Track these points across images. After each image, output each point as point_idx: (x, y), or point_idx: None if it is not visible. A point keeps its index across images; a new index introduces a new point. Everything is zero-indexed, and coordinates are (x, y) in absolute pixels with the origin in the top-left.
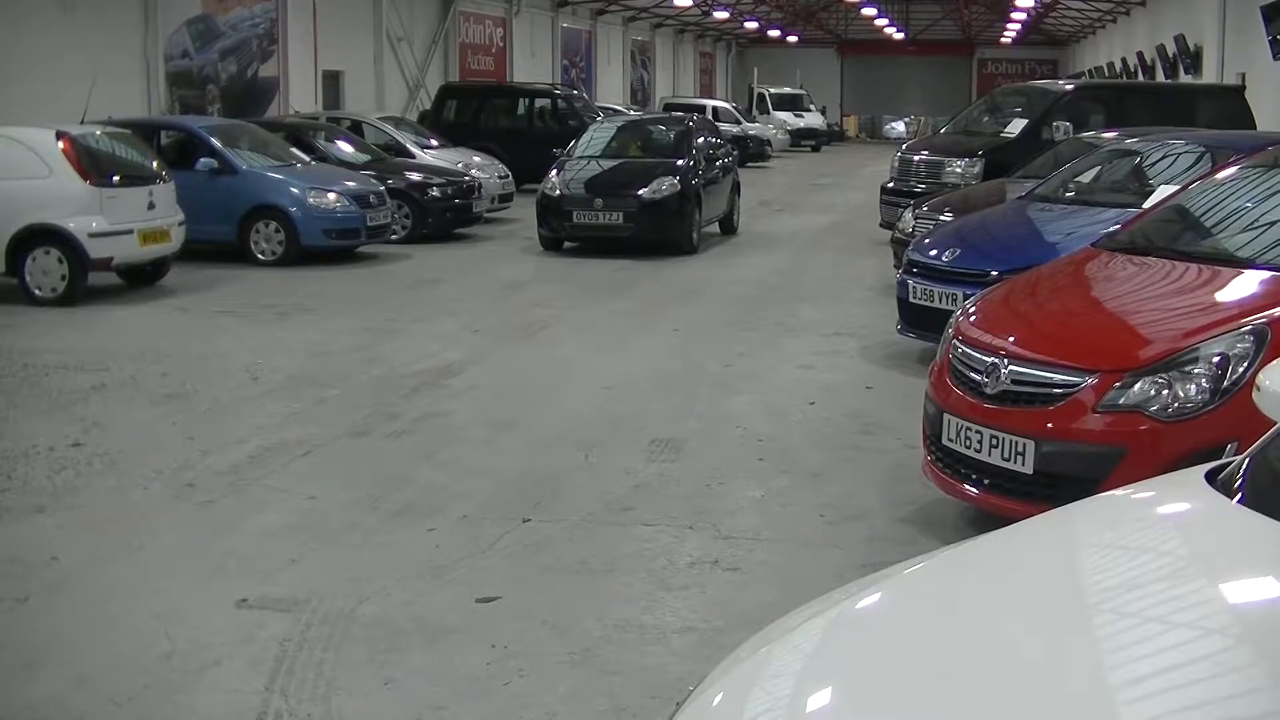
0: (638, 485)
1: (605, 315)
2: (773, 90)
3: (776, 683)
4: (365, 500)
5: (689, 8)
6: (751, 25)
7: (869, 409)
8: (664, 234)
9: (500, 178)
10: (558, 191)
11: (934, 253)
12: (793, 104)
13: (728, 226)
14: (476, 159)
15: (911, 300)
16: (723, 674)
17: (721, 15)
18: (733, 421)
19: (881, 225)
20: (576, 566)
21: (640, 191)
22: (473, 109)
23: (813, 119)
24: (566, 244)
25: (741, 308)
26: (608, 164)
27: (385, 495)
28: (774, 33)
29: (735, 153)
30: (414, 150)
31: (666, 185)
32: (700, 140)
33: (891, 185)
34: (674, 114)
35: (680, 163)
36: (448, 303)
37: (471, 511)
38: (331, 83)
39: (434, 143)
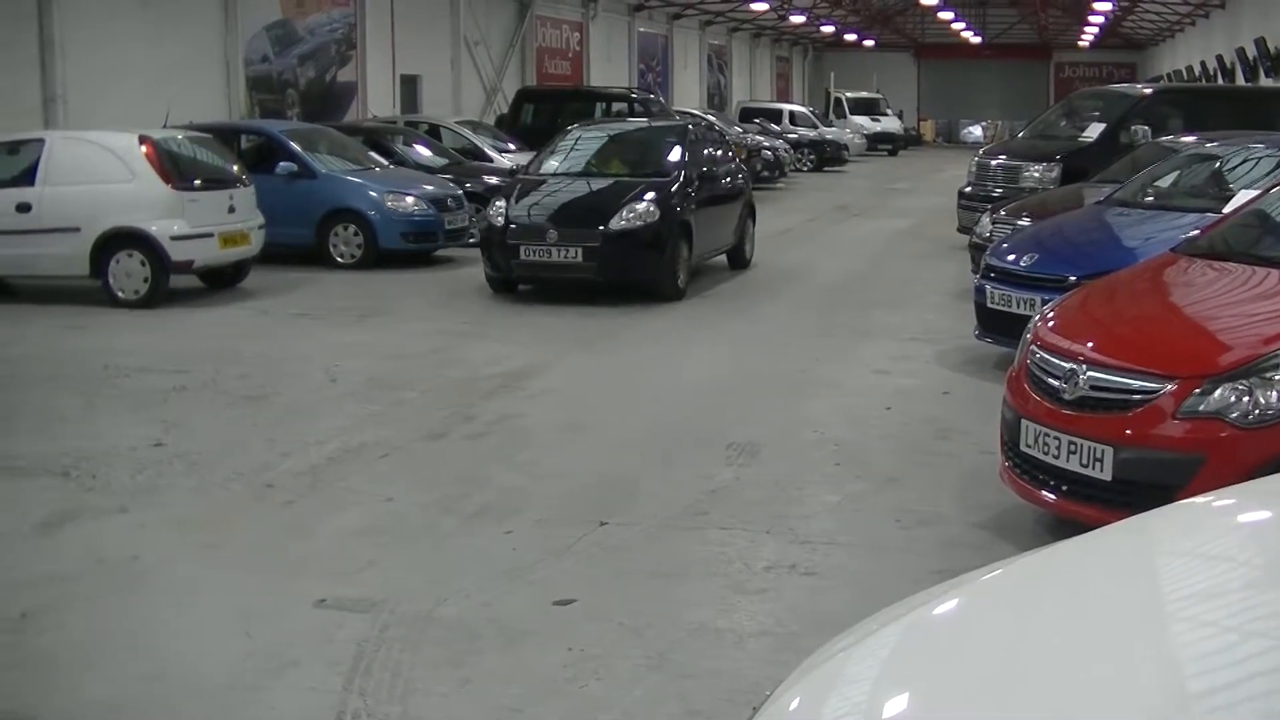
0: (714, 489)
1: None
2: (849, 94)
3: (852, 688)
4: (442, 502)
5: (765, 11)
6: (828, 29)
7: (945, 414)
8: (635, 274)
9: None
10: (501, 220)
11: (1011, 258)
12: (869, 108)
13: (738, 259)
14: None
15: (989, 305)
16: (799, 679)
17: (798, 19)
18: (809, 426)
19: (959, 230)
20: (652, 570)
21: (605, 220)
22: (549, 113)
23: (889, 123)
24: (522, 286)
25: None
26: (572, 185)
27: (462, 497)
28: (850, 37)
29: (744, 170)
30: (491, 154)
31: (641, 211)
32: (699, 153)
33: (969, 190)
34: (669, 121)
35: (665, 182)
36: (514, 312)
37: (548, 514)
38: (409, 87)
39: (511, 146)
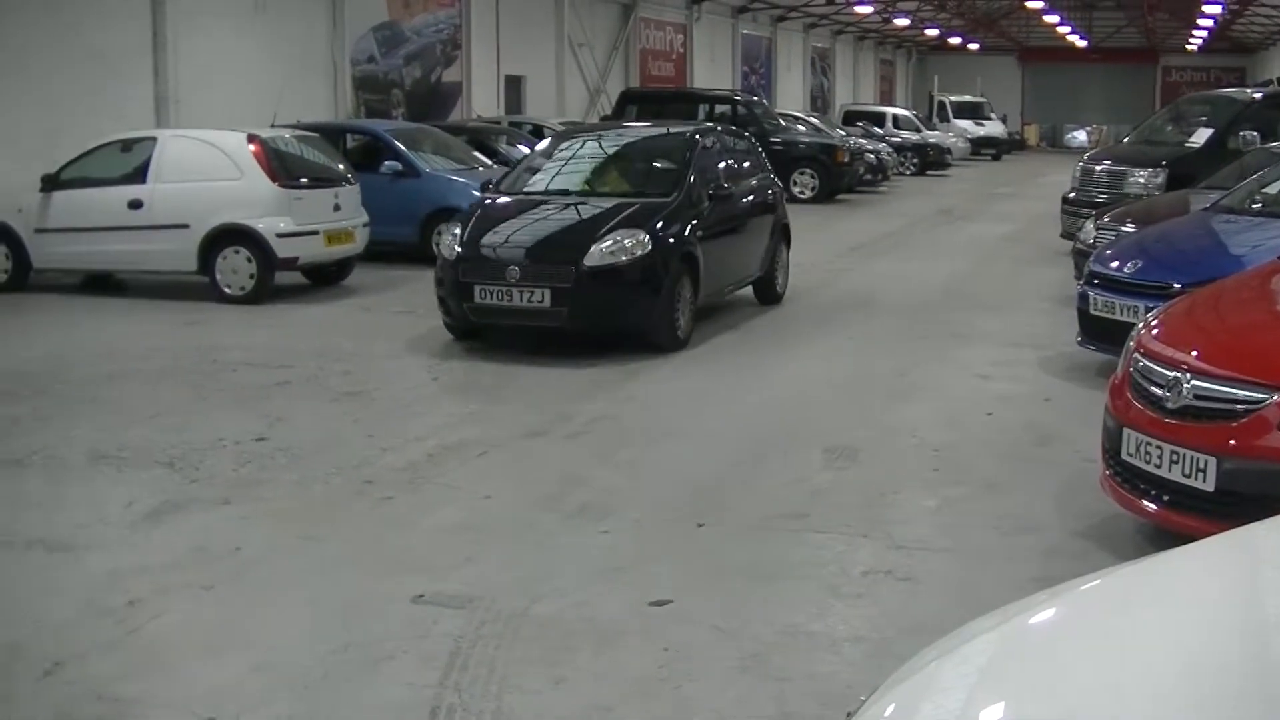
0: (812, 493)
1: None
2: (953, 98)
3: (948, 696)
4: (540, 500)
5: (869, 15)
6: (932, 32)
7: (1046, 420)
8: (619, 321)
9: None
10: (455, 253)
11: (1115, 264)
12: (973, 112)
13: (766, 292)
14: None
15: (1092, 312)
16: (894, 684)
17: (902, 22)
18: (908, 430)
19: (1062, 236)
20: (749, 572)
21: (580, 254)
22: (653, 115)
23: (993, 127)
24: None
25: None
26: (546, 208)
27: (560, 496)
28: (955, 40)
29: (776, 183)
30: None
31: (627, 243)
32: (712, 166)
33: (1073, 195)
34: (676, 127)
35: (662, 204)
36: None
37: (645, 514)
38: (513, 87)
39: None
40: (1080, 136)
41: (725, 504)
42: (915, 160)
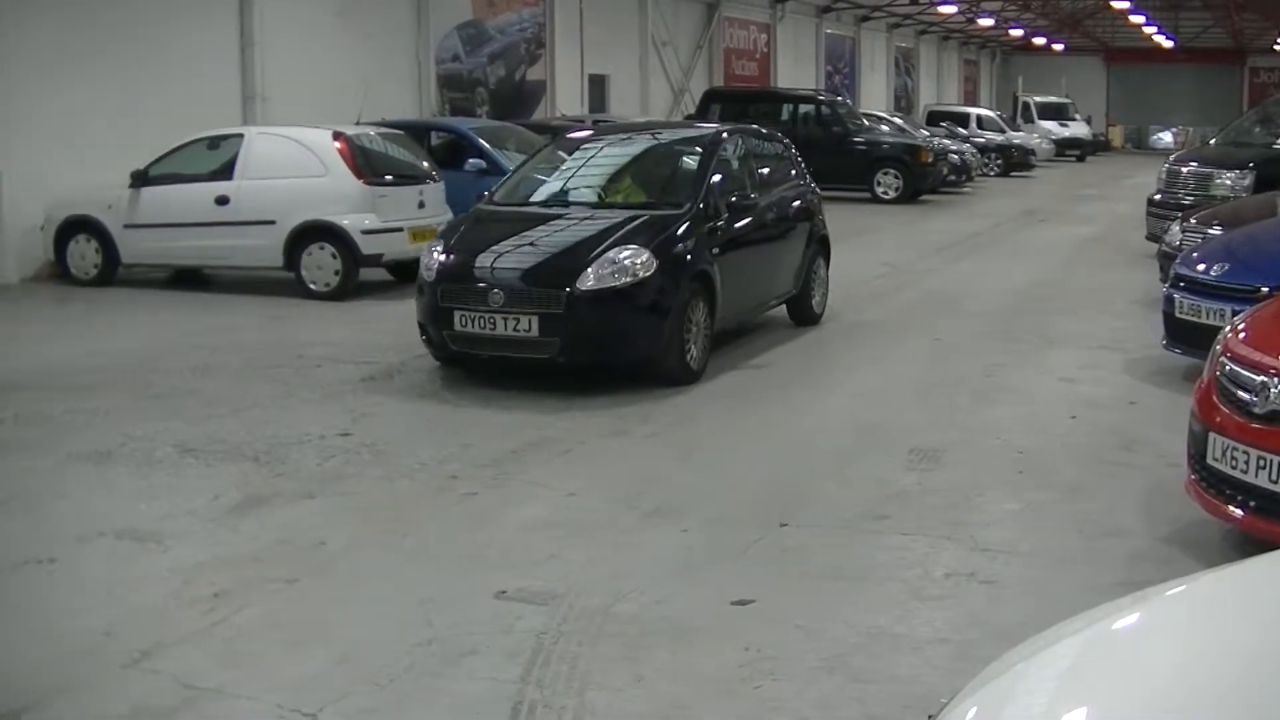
0: (895, 494)
1: None
2: (1037, 99)
3: (1030, 700)
4: (623, 499)
5: (954, 14)
6: (1016, 33)
7: (1131, 424)
8: (618, 352)
9: None
10: (433, 273)
11: (1202, 267)
12: (1058, 113)
13: (801, 312)
14: None
15: (1177, 315)
16: (976, 688)
17: (986, 22)
18: (992, 433)
19: (1147, 238)
20: (831, 573)
21: (573, 276)
22: (736, 114)
23: (1078, 128)
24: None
25: None
26: (541, 222)
27: (642, 494)
28: (1039, 40)
29: (813, 189)
30: None
31: (628, 263)
32: (735, 173)
33: (1158, 197)
34: (693, 130)
35: (671, 217)
36: None
37: (727, 513)
38: (597, 86)
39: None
40: (1166, 138)
41: (808, 504)
42: (999, 161)
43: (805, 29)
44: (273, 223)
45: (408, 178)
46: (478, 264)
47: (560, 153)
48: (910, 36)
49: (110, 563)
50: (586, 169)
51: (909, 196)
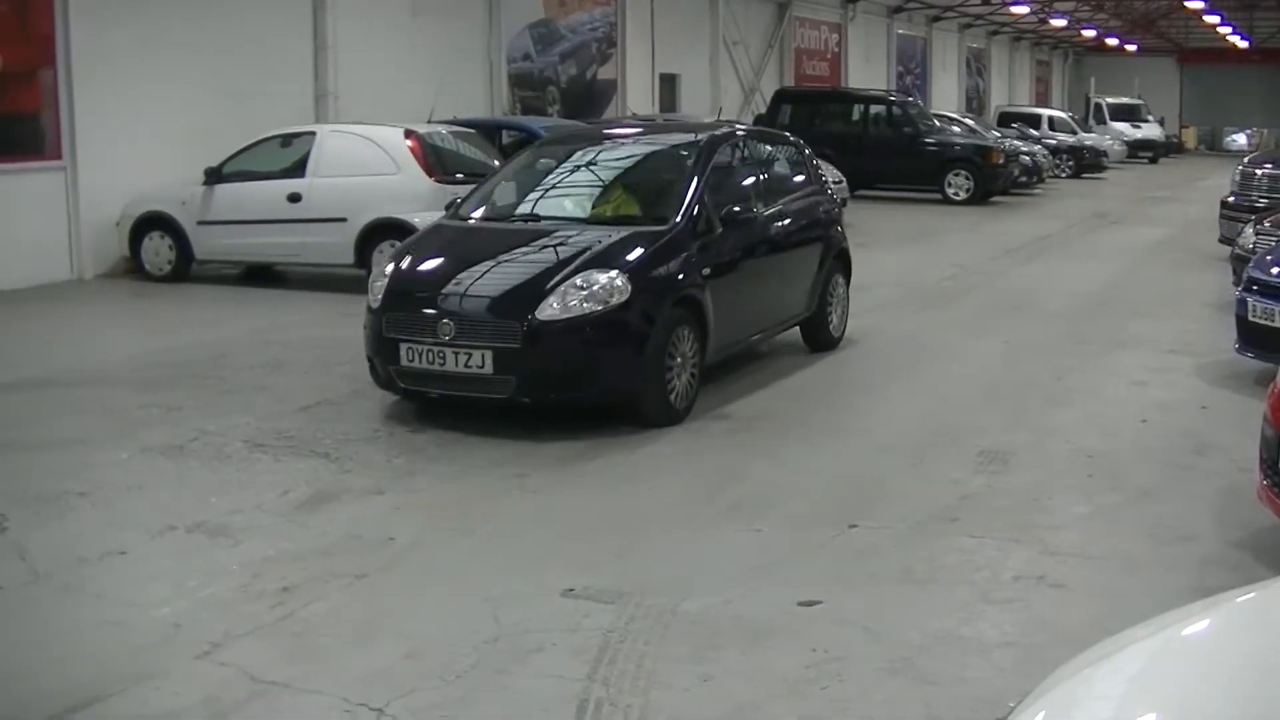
0: (965, 496)
1: None
2: (1110, 100)
3: (1099, 705)
4: (696, 496)
5: (1026, 15)
6: (1089, 33)
7: (1203, 428)
8: (584, 391)
9: (834, 183)
10: (379, 299)
11: (1276, 270)
12: (1130, 114)
13: (817, 335)
14: None
15: (1250, 319)
16: (1045, 692)
17: (1059, 23)
18: (1062, 435)
19: (1220, 240)
20: (900, 574)
21: (532, 304)
22: (807, 114)
23: (1150, 130)
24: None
25: None
26: (503, 239)
27: (716, 492)
28: (1112, 41)
29: (831, 198)
30: None
31: (595, 289)
32: (732, 182)
33: (1231, 199)
34: (685, 133)
35: (652, 235)
36: None
37: (798, 514)
38: (668, 85)
39: None
40: (1240, 140)
41: (877, 505)
42: (1071, 163)
43: (876, 29)
44: (344, 220)
45: (479, 176)
46: (427, 289)
47: (540, 160)
48: (982, 37)
49: (181, 556)
50: (566, 178)
51: (979, 198)
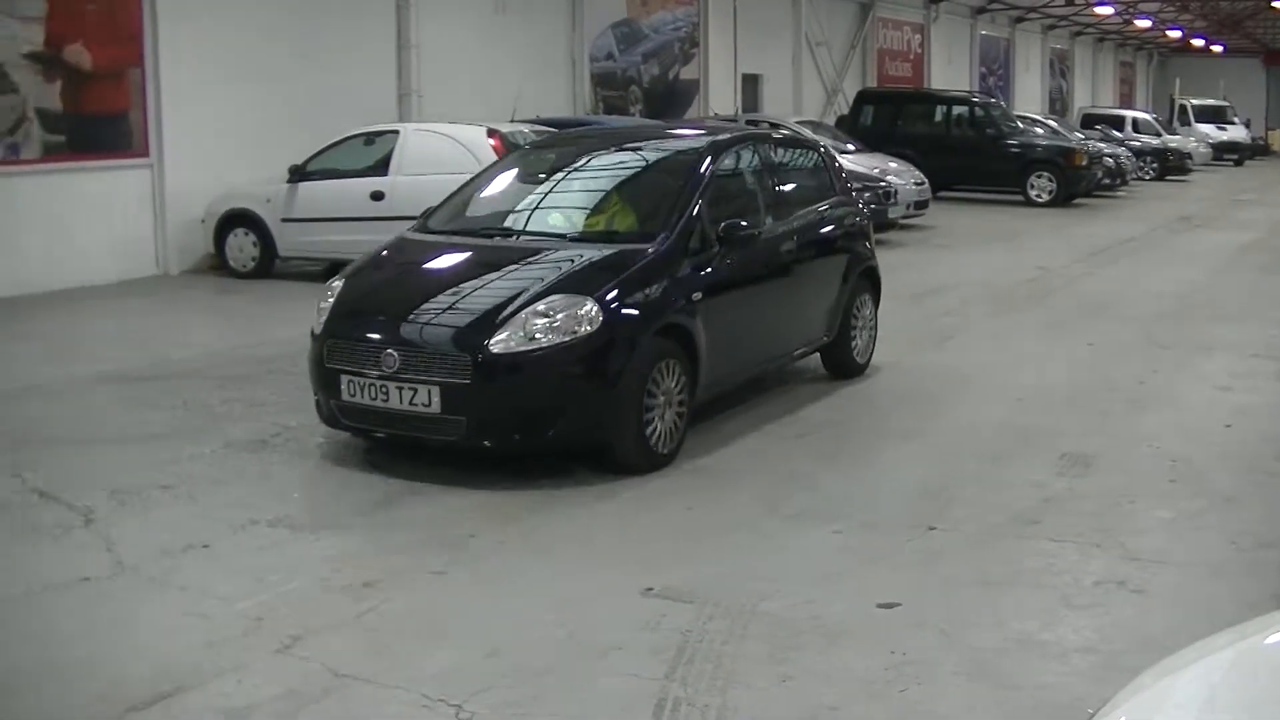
0: (1045, 499)
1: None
2: (1195, 101)
3: (1179, 713)
4: (772, 499)
5: (1110, 16)
6: (1174, 34)
7: None
8: (548, 436)
9: (916, 184)
10: (321, 323)
11: None
12: (1215, 116)
13: (839, 361)
14: (893, 165)
15: None
16: (1125, 699)
17: (1143, 24)
18: (1145, 440)
19: None
20: (979, 578)
21: (486, 333)
22: (889, 115)
23: (1236, 132)
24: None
25: None
26: (466, 257)
27: (791, 495)
28: (1197, 42)
29: (859, 209)
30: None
31: (561, 317)
32: (731, 195)
33: None
34: (683, 139)
35: (637, 253)
36: None
37: (876, 516)
38: (750, 85)
39: (851, 147)
40: None
41: (956, 508)
42: (1155, 165)
43: (959, 30)
44: None
45: None
46: (372, 313)
47: (522, 165)
48: (1065, 38)
49: (263, 550)
50: (548, 188)
51: (1062, 200)
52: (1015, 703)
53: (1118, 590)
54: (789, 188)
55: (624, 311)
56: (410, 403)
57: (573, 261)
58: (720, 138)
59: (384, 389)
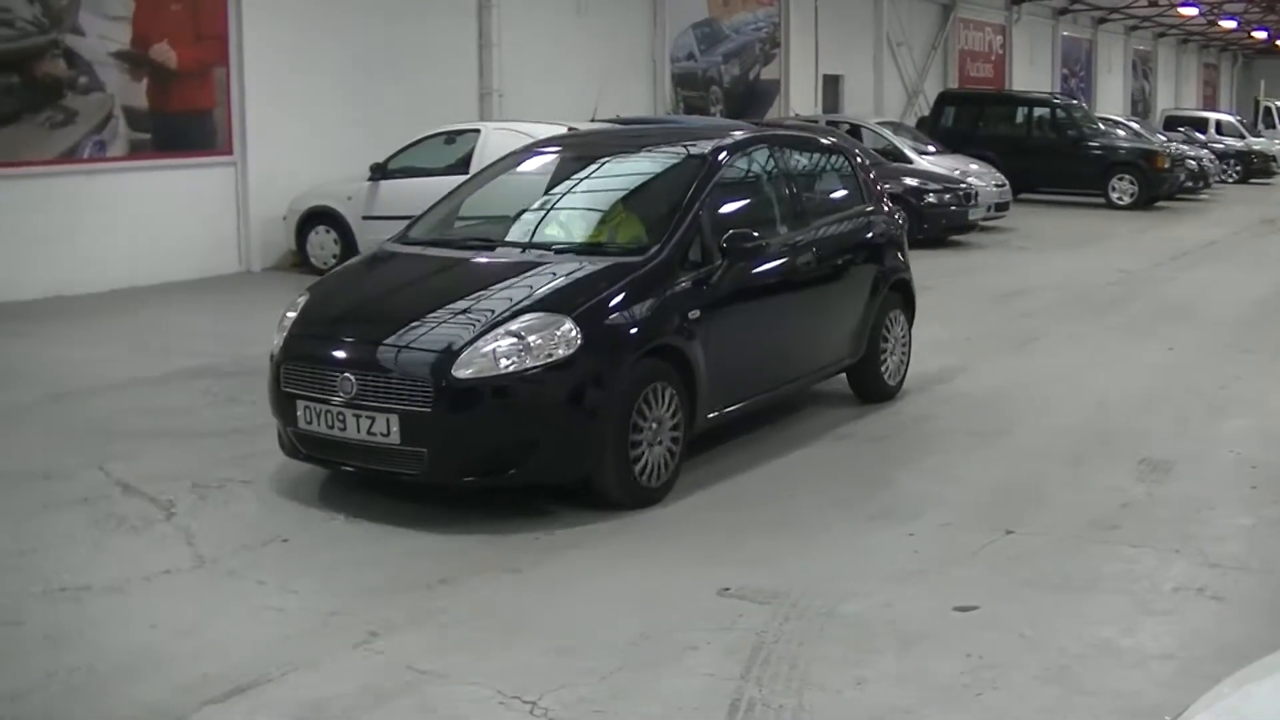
0: (1124, 504)
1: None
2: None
3: None
4: (849, 500)
5: (1194, 17)
6: (1260, 35)
7: None
8: (518, 472)
9: (997, 186)
10: (279, 344)
11: None
12: None
13: (867, 382)
14: (973, 166)
15: None
16: (1204, 707)
17: (1228, 25)
18: (1226, 445)
19: None
20: (1057, 582)
21: (449, 358)
22: (970, 116)
23: None
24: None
25: None
26: (449, 268)
27: (868, 497)
28: None
29: (893, 218)
30: (911, 156)
31: (534, 339)
32: (738, 205)
33: None
34: (686, 142)
35: (627, 267)
36: (938, 309)
37: (953, 519)
38: (831, 86)
39: (931, 149)
40: None
41: (1034, 512)
42: (1238, 168)
43: (1041, 31)
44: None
45: None
46: (330, 333)
47: (516, 171)
48: (1148, 39)
49: (338, 546)
50: (538, 195)
51: (1144, 202)
52: (1092, 709)
53: (1197, 597)
54: (810, 195)
55: (607, 332)
56: (368, 432)
57: (555, 276)
58: (727, 140)
59: (341, 417)
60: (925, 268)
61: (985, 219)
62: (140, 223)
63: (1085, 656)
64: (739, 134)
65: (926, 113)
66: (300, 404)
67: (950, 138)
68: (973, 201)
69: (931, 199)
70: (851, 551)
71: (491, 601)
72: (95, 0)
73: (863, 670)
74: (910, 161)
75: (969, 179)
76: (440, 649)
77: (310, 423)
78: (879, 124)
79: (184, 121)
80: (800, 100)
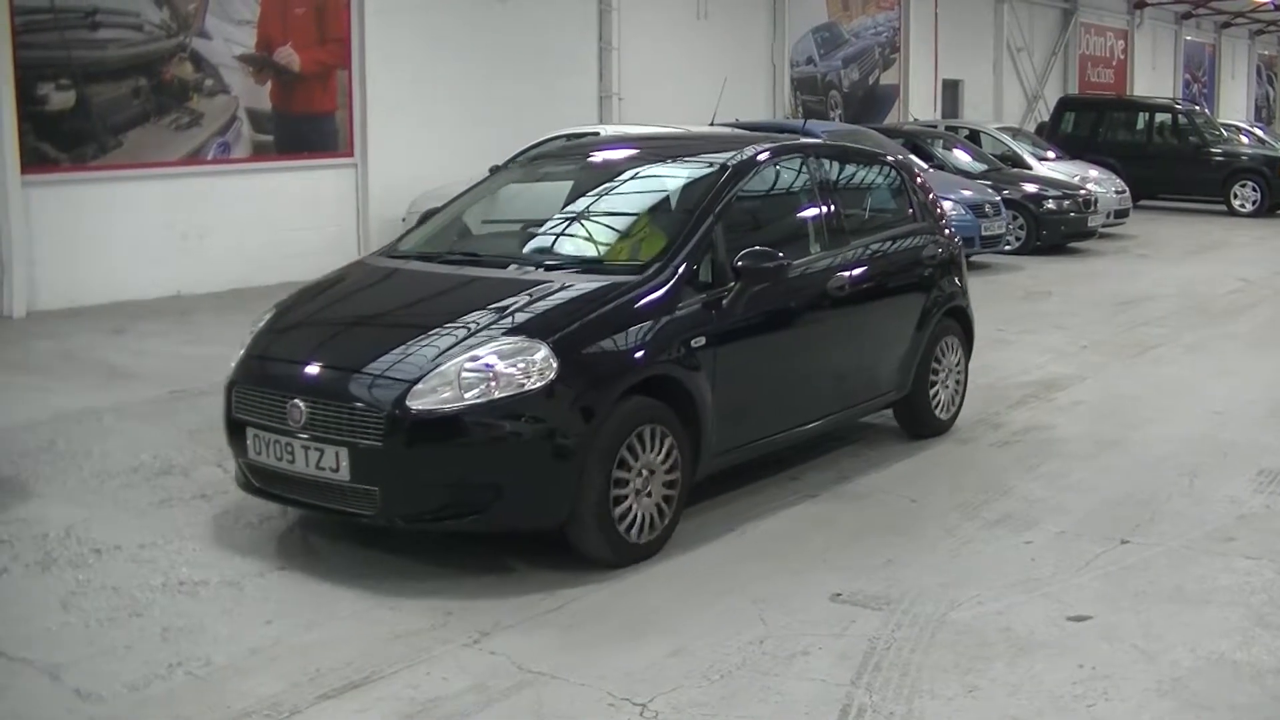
0: (1242, 515)
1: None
2: None
3: None
4: (964, 506)
5: None
6: None
7: None
8: (480, 517)
9: (1117, 192)
10: (233, 367)
11: None
12: None
13: (914, 418)
14: (1093, 173)
15: None
16: None
17: None
18: None
19: None
20: (1172, 593)
21: (405, 386)
22: (1090, 122)
23: None
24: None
25: None
26: (431, 283)
27: (984, 504)
28: None
29: (948, 240)
30: (1031, 161)
31: (506, 370)
32: (756, 220)
33: None
34: (705, 152)
35: (621, 287)
36: (1057, 316)
37: (1069, 528)
38: (950, 91)
39: (1051, 154)
40: None
41: (1149, 522)
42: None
43: (1163, 36)
44: None
45: None
46: (284, 355)
47: (521, 181)
48: (1274, 44)
49: (454, 543)
50: (539, 207)
51: (1267, 210)
52: None
53: None
54: (851, 212)
55: (589, 361)
56: (317, 466)
57: (538, 297)
58: (750, 150)
59: (289, 448)
60: (1043, 274)
61: (1105, 226)
62: (261, 223)
63: (1200, 670)
64: (772, 143)
65: (1046, 118)
66: (250, 432)
67: (1070, 144)
68: (1092, 208)
69: (1051, 205)
70: (965, 558)
71: (607, 602)
72: (222, 4)
73: (974, 678)
74: (1029, 167)
75: (1089, 185)
76: (553, 649)
77: (259, 453)
78: (998, 129)
79: (306, 123)
80: (919, 105)
